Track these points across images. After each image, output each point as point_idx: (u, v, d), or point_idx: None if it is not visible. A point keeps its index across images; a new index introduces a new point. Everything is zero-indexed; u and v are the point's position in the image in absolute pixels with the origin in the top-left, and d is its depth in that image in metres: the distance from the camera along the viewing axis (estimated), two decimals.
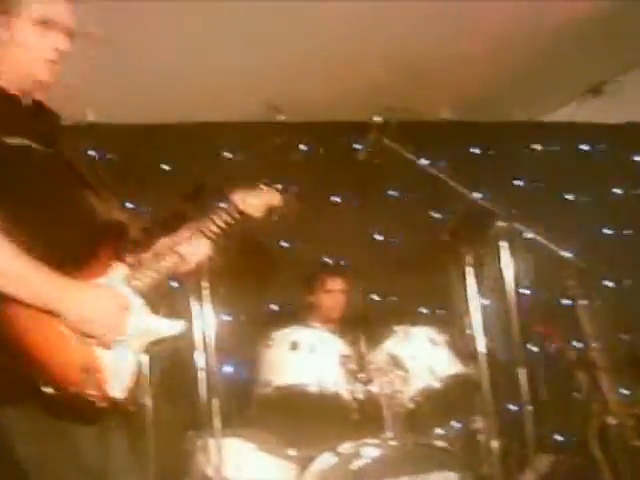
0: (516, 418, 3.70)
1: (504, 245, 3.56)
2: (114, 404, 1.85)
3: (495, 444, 3.43)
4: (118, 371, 1.89)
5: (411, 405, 3.33)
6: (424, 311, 4.50)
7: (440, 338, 3.55)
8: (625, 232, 4.97)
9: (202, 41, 4.80)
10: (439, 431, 3.46)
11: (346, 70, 5.43)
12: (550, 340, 3.85)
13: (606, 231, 4.87)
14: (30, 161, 1.98)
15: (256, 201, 2.56)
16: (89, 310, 1.88)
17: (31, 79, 2.06)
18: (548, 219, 4.40)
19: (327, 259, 4.44)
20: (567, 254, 3.67)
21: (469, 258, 3.67)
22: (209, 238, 2.32)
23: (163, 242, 2.26)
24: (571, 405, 3.94)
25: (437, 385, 3.39)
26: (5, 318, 1.80)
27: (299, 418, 3.34)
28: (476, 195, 3.78)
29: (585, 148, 5.03)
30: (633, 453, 3.29)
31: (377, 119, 3.57)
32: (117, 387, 1.87)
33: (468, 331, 3.63)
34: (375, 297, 4.54)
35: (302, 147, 4.28)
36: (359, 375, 3.35)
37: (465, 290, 3.63)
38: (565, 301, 4.48)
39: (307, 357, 3.33)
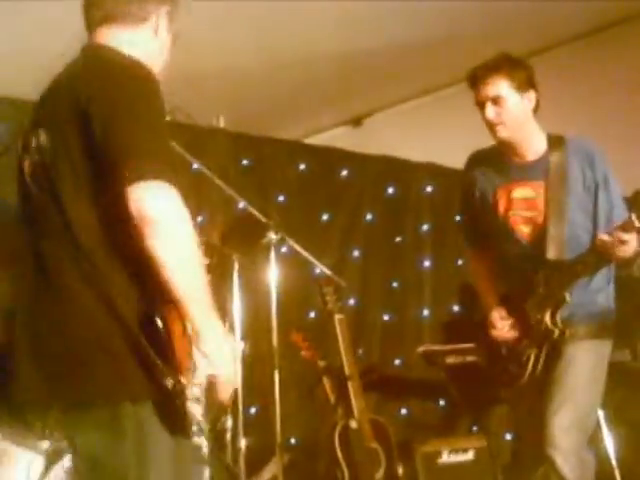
0: (263, 419, 3.91)
1: (272, 255, 3.78)
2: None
3: (242, 443, 3.63)
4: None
5: None
6: None
7: None
8: (368, 255, 5.37)
9: None
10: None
11: None
12: (303, 348, 4.12)
13: (356, 253, 5.24)
14: None
15: None
16: (222, 356, 1.88)
17: None
18: (306, 236, 4.71)
19: None
20: (327, 271, 3.95)
21: (237, 264, 3.83)
22: None
23: None
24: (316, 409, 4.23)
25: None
26: (168, 317, 1.81)
27: None
28: (246, 203, 3.95)
29: (344, 173, 5.36)
30: (370, 453, 3.66)
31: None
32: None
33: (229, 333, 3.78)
34: None
35: None
36: None
37: (230, 293, 3.79)
38: (313, 314, 4.81)
39: None
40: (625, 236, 2.65)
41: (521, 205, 3.00)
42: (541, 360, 2.89)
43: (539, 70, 3.08)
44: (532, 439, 2.93)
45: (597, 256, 2.79)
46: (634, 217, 2.62)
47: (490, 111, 2.92)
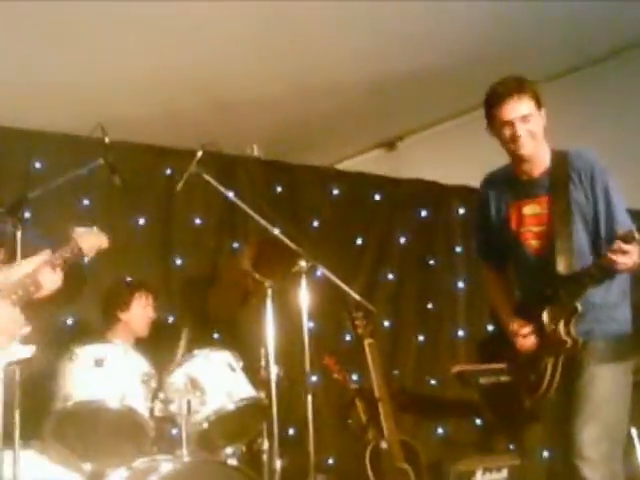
0: (299, 441, 4.00)
1: (304, 282, 3.89)
2: None
3: (278, 464, 3.72)
4: None
5: (205, 425, 3.51)
6: (217, 336, 4.70)
7: (237, 364, 3.76)
8: (402, 278, 5.46)
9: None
10: (229, 450, 3.66)
11: (160, 96, 5.59)
12: (334, 371, 4.21)
13: (390, 276, 5.33)
14: None
15: (92, 241, 2.68)
16: None
17: None
18: (340, 260, 4.82)
19: (130, 278, 4.45)
20: (357, 296, 4.04)
21: (270, 290, 3.94)
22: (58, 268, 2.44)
23: (18, 269, 2.28)
24: (350, 430, 4.31)
25: (230, 407, 3.58)
26: None
27: (97, 433, 3.41)
28: (278, 231, 4.07)
29: (377, 197, 5.47)
30: (399, 474, 3.72)
31: (200, 153, 3.76)
32: None
33: (262, 358, 3.91)
34: (172, 318, 4.67)
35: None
36: (159, 394, 3.50)
37: (263, 319, 3.90)
38: (348, 337, 4.90)
39: (110, 373, 3.41)
40: (625, 247, 2.71)
41: (532, 221, 3.11)
42: (559, 369, 2.96)
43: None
44: (560, 450, 2.98)
45: (602, 268, 2.85)
46: (634, 228, 2.69)
47: (521, 129, 3.00)
